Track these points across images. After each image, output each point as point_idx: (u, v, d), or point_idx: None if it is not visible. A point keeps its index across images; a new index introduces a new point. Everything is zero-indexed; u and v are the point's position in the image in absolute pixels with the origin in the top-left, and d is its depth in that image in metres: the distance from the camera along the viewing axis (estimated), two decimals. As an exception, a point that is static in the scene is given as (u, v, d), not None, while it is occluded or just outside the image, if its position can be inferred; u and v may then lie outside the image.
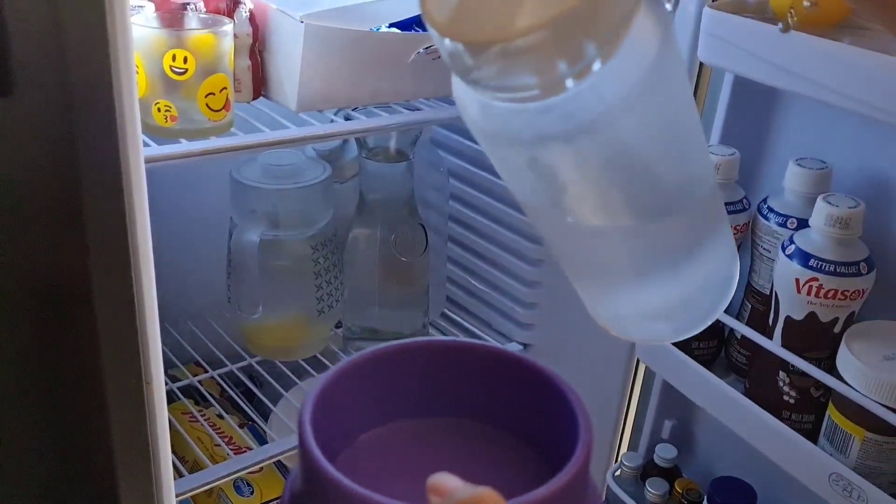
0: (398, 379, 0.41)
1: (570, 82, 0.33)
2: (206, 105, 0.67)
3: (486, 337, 1.06)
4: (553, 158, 0.36)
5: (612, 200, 0.37)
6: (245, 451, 0.86)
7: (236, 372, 0.98)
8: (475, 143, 1.14)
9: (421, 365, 0.41)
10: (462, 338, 1.04)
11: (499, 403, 0.41)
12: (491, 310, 1.08)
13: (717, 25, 0.67)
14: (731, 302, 0.81)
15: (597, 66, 0.33)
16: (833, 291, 0.65)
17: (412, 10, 0.79)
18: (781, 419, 0.70)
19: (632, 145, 0.36)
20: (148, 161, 0.59)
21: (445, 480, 0.30)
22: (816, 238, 0.66)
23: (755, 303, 0.76)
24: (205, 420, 0.93)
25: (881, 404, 0.62)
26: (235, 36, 0.71)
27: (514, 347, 1.05)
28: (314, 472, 0.33)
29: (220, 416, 0.94)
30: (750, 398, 0.73)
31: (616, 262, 0.42)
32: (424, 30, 0.85)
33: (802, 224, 0.69)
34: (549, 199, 0.38)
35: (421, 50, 0.77)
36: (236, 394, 0.96)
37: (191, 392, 0.97)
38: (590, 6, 0.32)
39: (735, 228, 0.74)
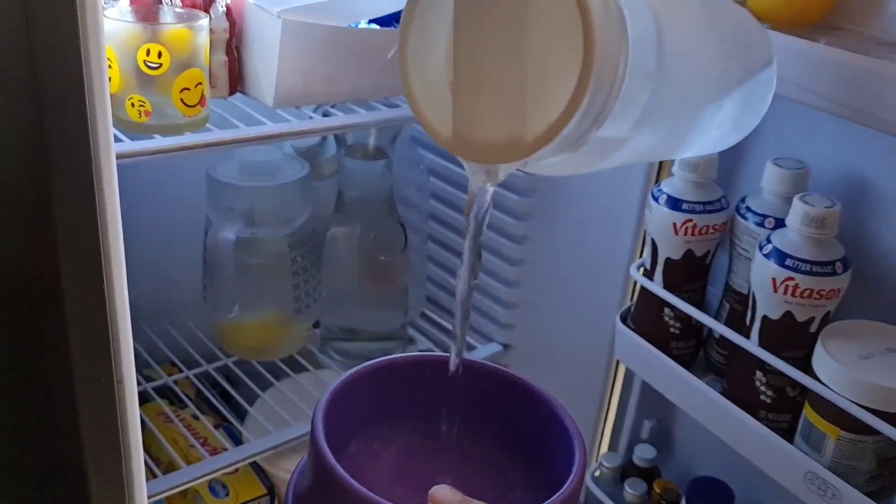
0: (404, 388, 0.42)
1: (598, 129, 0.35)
2: (181, 100, 0.66)
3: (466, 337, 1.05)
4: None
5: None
6: (220, 452, 0.85)
7: (212, 372, 0.97)
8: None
9: (426, 377, 0.42)
10: (440, 336, 1.04)
11: (496, 419, 0.42)
12: (471, 310, 1.07)
13: (696, 25, 0.67)
14: (710, 301, 0.81)
15: (610, 107, 0.35)
16: (809, 291, 0.65)
17: (391, 6, 0.78)
18: (758, 419, 0.71)
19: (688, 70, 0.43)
20: (121, 157, 0.58)
21: (446, 493, 0.33)
22: (793, 238, 0.66)
23: (733, 302, 0.76)
24: (180, 421, 0.91)
25: (856, 403, 0.62)
26: (212, 31, 0.70)
27: (494, 347, 1.05)
28: (324, 472, 0.34)
29: (196, 417, 0.93)
30: (727, 398, 0.73)
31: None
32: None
33: (780, 224, 0.69)
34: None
35: (400, 47, 0.77)
36: (212, 394, 0.95)
37: (166, 392, 0.96)
38: (590, 85, 0.33)
39: (713, 228, 0.75)
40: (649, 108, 0.39)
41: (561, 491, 0.35)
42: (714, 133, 0.54)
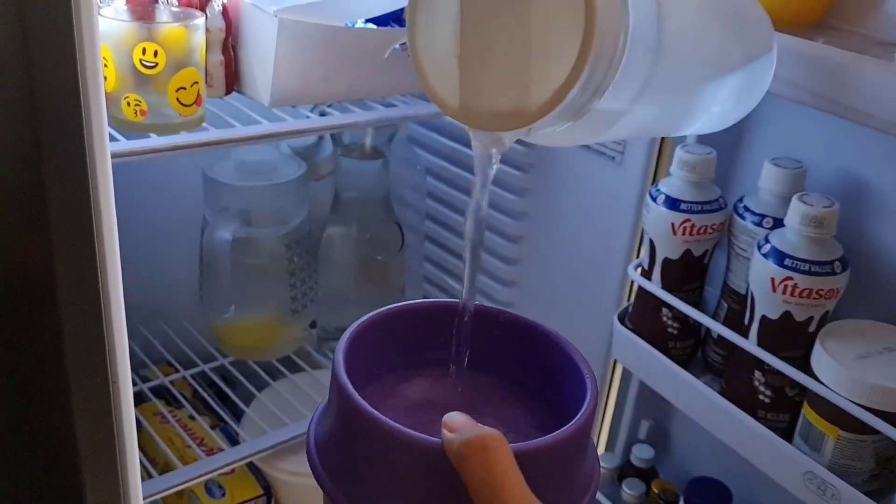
0: (423, 332, 0.44)
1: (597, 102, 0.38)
2: (177, 99, 0.66)
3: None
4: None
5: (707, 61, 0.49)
6: (217, 453, 0.85)
7: (208, 372, 0.97)
8: (452, 140, 1.14)
9: (446, 321, 0.43)
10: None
11: (513, 362, 0.44)
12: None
13: (694, 24, 0.67)
14: (708, 301, 0.81)
15: (611, 77, 0.36)
16: (808, 290, 0.65)
17: (388, 6, 0.78)
18: (757, 418, 0.70)
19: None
20: (116, 156, 0.58)
21: (458, 418, 0.34)
22: (791, 237, 0.66)
23: (731, 302, 0.76)
24: (176, 421, 0.91)
25: (855, 403, 0.62)
26: (208, 30, 0.70)
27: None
28: (348, 406, 0.36)
29: (192, 417, 0.92)
30: (726, 398, 0.73)
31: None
32: (401, 25, 0.84)
33: (778, 223, 0.69)
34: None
35: (397, 46, 0.77)
36: (208, 394, 0.95)
37: (162, 393, 0.95)
38: (590, 56, 0.36)
39: (711, 228, 0.74)
40: (650, 80, 0.41)
41: (573, 421, 0.36)
42: (715, 110, 0.55)
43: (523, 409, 0.43)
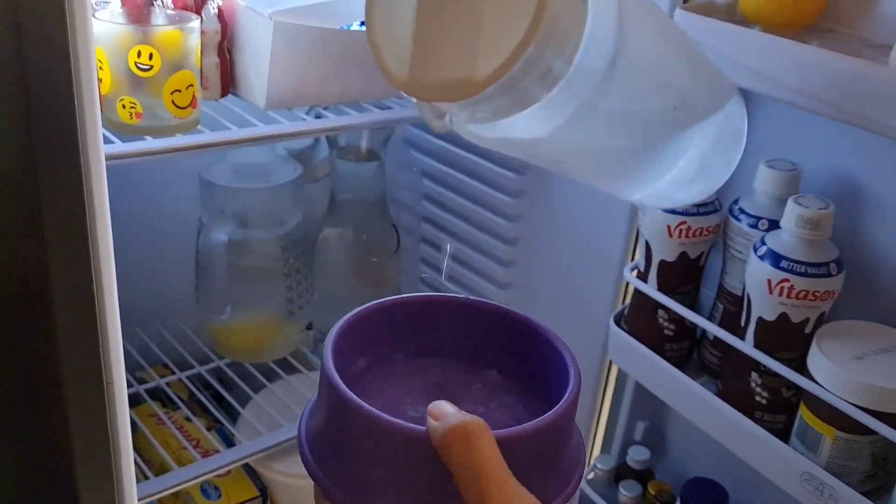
0: (411, 324, 0.45)
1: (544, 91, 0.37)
2: (172, 102, 0.66)
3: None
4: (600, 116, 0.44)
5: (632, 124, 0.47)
6: (212, 454, 0.85)
7: (204, 374, 0.97)
8: (448, 142, 1.14)
9: (434, 314, 0.45)
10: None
11: (499, 351, 0.45)
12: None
13: (689, 27, 0.67)
14: (702, 303, 0.81)
15: (563, 69, 0.36)
16: (804, 292, 0.65)
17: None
18: (753, 420, 0.70)
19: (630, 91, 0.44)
20: (111, 158, 0.58)
21: (443, 407, 0.36)
22: (787, 239, 0.66)
23: (727, 304, 0.76)
24: (172, 422, 0.91)
25: (851, 404, 0.62)
26: (203, 33, 0.70)
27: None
28: (337, 398, 0.37)
29: (188, 419, 0.92)
30: (722, 399, 0.73)
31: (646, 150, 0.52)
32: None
33: (774, 225, 0.69)
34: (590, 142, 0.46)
35: (392, 48, 0.77)
36: (204, 396, 0.95)
37: (158, 394, 0.95)
38: (539, 29, 0.37)
39: (707, 230, 0.75)
40: (601, 96, 0.42)
41: (555, 408, 0.37)
42: (679, 165, 0.55)
43: (509, 397, 0.44)
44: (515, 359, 0.45)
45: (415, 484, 0.36)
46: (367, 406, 0.36)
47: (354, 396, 0.37)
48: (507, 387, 0.45)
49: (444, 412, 0.35)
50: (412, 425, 0.36)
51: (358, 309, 0.44)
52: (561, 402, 0.38)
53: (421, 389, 0.44)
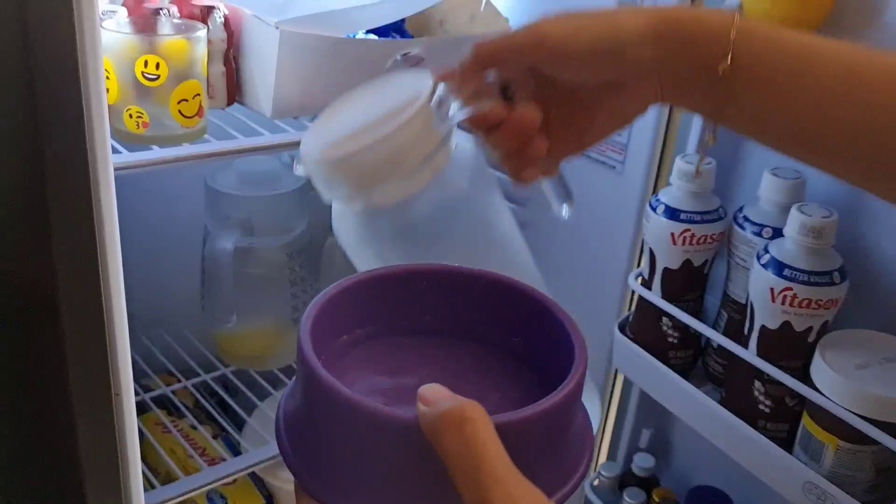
0: (399, 298, 0.41)
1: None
2: (179, 111, 0.66)
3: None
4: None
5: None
6: (219, 463, 0.85)
7: (210, 381, 0.97)
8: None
9: (423, 287, 0.41)
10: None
11: (496, 326, 0.41)
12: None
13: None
14: (707, 310, 0.81)
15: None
16: (807, 301, 0.65)
17: (389, 17, 0.78)
18: (757, 428, 0.71)
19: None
20: (119, 168, 0.58)
21: (434, 390, 0.31)
22: (791, 248, 0.66)
23: (731, 312, 0.76)
24: (177, 431, 0.91)
25: (854, 413, 0.62)
26: (209, 42, 0.70)
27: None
28: (314, 383, 0.33)
29: (194, 427, 0.92)
30: (726, 407, 0.73)
31: None
32: (402, 36, 0.84)
33: (778, 233, 0.69)
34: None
35: (398, 56, 0.77)
36: (210, 404, 0.95)
37: (163, 402, 0.95)
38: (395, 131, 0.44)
39: (711, 238, 0.75)
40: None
41: (558, 389, 0.33)
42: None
43: (507, 378, 0.40)
44: (514, 333, 0.41)
45: (401, 477, 0.32)
46: (346, 390, 0.32)
47: (333, 379, 0.33)
48: (505, 365, 0.41)
49: (437, 396, 0.31)
50: (398, 411, 0.31)
51: (340, 281, 0.40)
52: (565, 383, 0.34)
53: (409, 370, 0.40)
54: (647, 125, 0.82)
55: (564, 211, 0.49)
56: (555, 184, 0.49)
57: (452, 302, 0.42)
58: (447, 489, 0.30)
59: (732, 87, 0.42)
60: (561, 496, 0.34)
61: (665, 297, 0.78)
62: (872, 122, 0.40)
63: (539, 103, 0.45)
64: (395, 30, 0.85)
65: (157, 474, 0.86)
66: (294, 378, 0.38)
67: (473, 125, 0.46)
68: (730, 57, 0.41)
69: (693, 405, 0.76)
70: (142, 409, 0.92)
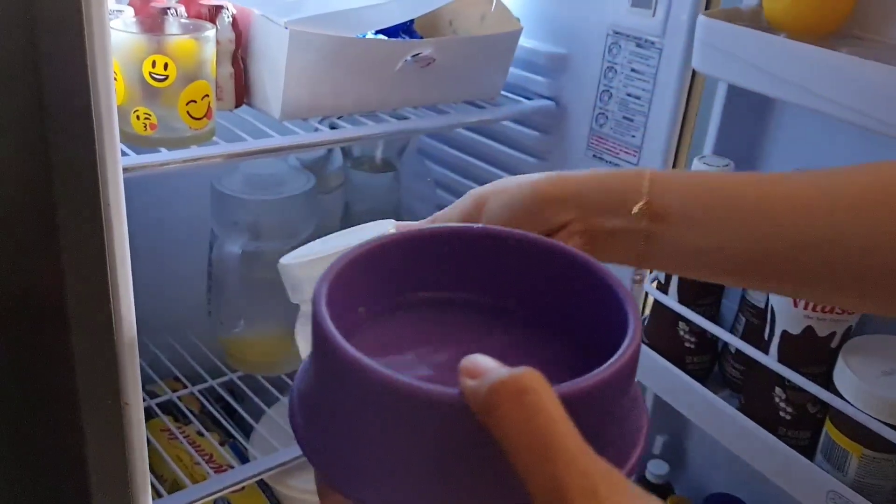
0: (424, 263, 0.38)
1: None
2: (187, 113, 0.65)
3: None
4: None
5: None
6: (226, 470, 0.83)
7: (217, 387, 0.96)
8: (463, 153, 1.13)
9: (449, 251, 0.38)
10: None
11: (530, 291, 0.37)
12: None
13: (711, 34, 0.66)
14: (724, 315, 0.80)
15: None
16: (830, 305, 0.64)
17: (399, 17, 0.77)
18: (777, 436, 0.69)
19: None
20: (126, 170, 0.57)
21: (480, 361, 0.27)
22: (813, 251, 0.65)
23: (750, 316, 0.75)
24: (184, 437, 0.90)
25: (879, 420, 0.60)
26: (217, 42, 0.69)
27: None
28: (333, 355, 0.29)
29: (200, 434, 0.91)
30: (745, 414, 0.71)
31: None
32: (411, 37, 0.83)
33: (798, 236, 0.67)
34: None
35: (408, 58, 0.76)
36: (216, 410, 0.94)
37: (170, 408, 0.94)
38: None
39: (728, 240, 0.73)
40: None
41: (618, 353, 0.29)
42: None
43: (545, 349, 0.36)
44: (550, 299, 0.36)
45: (443, 465, 0.28)
46: (376, 366, 0.28)
47: (356, 351, 0.28)
48: (542, 335, 0.36)
49: (486, 367, 0.26)
50: (439, 387, 0.27)
51: (361, 244, 0.36)
52: (624, 345, 0.30)
53: (439, 344, 0.35)
54: (660, 126, 0.81)
55: None
56: None
57: (481, 266, 0.38)
58: (498, 476, 0.26)
59: (650, 228, 0.42)
60: (628, 470, 0.30)
61: (681, 301, 0.76)
62: (791, 243, 0.41)
63: None
64: (404, 30, 0.84)
65: (164, 482, 0.85)
66: (307, 359, 0.34)
67: None
68: (645, 197, 0.42)
69: (711, 411, 0.75)
70: (147, 415, 0.90)
